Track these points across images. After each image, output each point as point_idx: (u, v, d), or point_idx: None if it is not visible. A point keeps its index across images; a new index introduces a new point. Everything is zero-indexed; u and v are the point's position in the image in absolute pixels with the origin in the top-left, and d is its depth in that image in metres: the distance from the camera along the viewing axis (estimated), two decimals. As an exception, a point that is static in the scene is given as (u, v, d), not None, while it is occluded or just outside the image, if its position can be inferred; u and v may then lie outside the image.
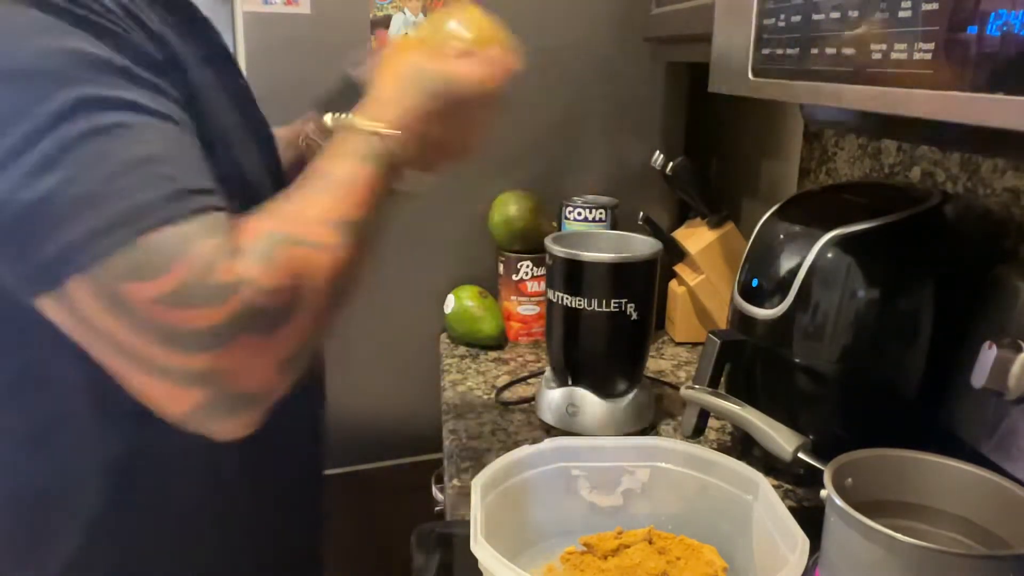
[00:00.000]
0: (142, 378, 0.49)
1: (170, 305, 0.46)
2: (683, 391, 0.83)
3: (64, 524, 0.60)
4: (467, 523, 0.59)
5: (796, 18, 0.58)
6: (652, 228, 1.16)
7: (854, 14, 0.51)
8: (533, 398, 1.00)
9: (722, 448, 0.83)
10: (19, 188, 0.45)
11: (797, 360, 0.76)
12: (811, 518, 0.59)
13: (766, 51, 0.63)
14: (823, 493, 0.55)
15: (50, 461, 0.60)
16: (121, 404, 0.59)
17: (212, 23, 0.68)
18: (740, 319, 0.81)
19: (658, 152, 1.13)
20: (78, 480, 0.60)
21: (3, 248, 0.48)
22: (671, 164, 1.11)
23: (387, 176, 0.58)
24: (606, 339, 0.91)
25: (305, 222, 0.53)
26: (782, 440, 0.71)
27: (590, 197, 1.22)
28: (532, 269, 1.20)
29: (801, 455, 0.69)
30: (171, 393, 0.49)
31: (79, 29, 0.49)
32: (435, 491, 1.21)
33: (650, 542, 0.70)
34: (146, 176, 0.47)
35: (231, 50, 0.75)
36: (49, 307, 0.49)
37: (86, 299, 0.47)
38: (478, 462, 0.88)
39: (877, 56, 0.49)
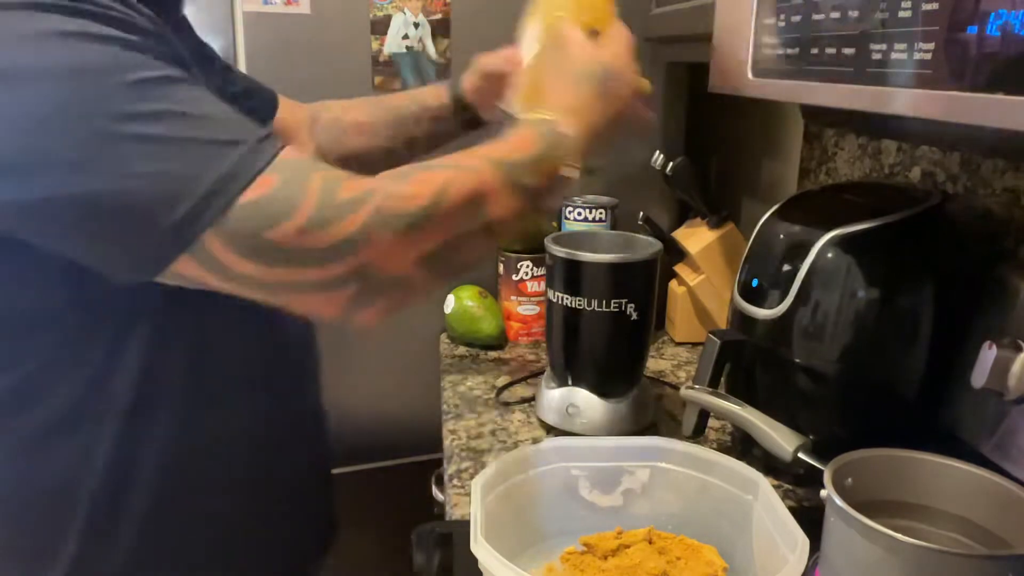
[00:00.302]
0: (296, 299, 0.54)
1: (311, 230, 0.51)
2: (683, 391, 0.83)
3: (68, 526, 0.60)
4: (467, 523, 0.59)
5: (796, 18, 0.58)
6: (652, 228, 1.16)
7: (854, 14, 0.51)
8: (533, 398, 1.00)
9: (722, 448, 0.83)
10: (114, 180, 0.48)
11: (797, 360, 0.76)
12: (811, 518, 0.59)
13: (766, 51, 0.63)
14: (823, 493, 0.55)
15: (53, 463, 0.60)
16: (124, 407, 0.59)
17: (190, 23, 0.69)
18: (740, 319, 0.81)
19: (658, 152, 1.13)
20: (81, 482, 0.60)
21: (117, 234, 0.50)
22: (671, 164, 1.11)
23: (555, 155, 0.62)
24: (606, 339, 0.91)
25: (457, 156, 0.59)
26: (782, 440, 0.71)
27: (590, 197, 1.22)
28: (532, 269, 1.20)
29: (801, 455, 0.69)
30: (325, 300, 0.54)
31: (96, 23, 0.50)
32: (435, 491, 1.21)
33: (650, 542, 0.70)
34: (223, 136, 0.51)
35: (215, 51, 0.76)
36: (190, 268, 0.51)
37: (231, 258, 0.51)
38: (478, 462, 0.88)
39: (877, 56, 0.49)
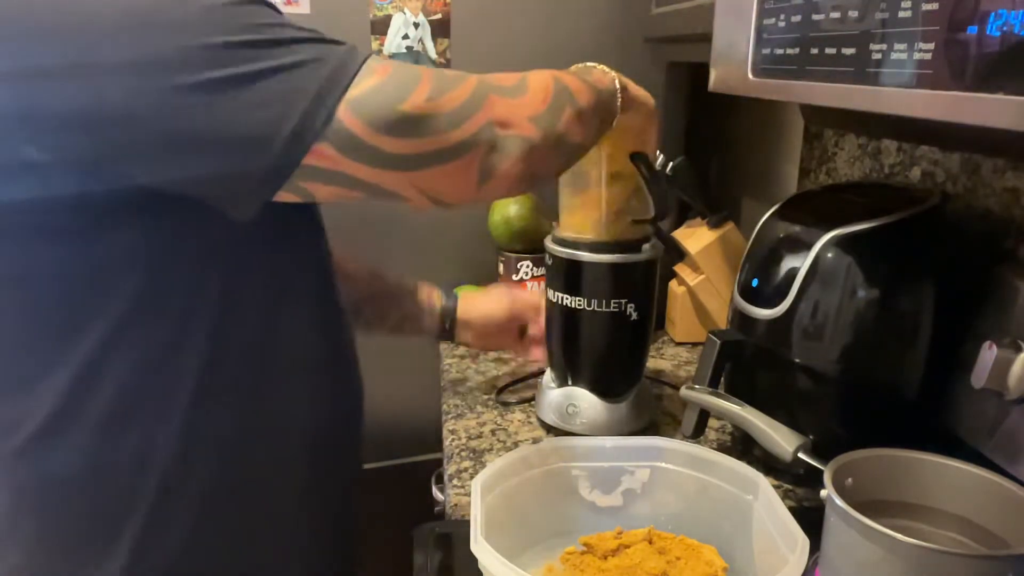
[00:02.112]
0: (437, 173, 0.58)
1: (437, 96, 0.56)
2: (683, 391, 0.82)
3: (131, 512, 0.61)
4: (467, 523, 0.59)
5: (796, 18, 0.58)
6: (652, 228, 1.15)
7: (854, 14, 0.51)
8: (533, 398, 1.00)
9: (722, 448, 0.83)
10: (244, 83, 0.52)
11: (797, 360, 0.76)
12: (811, 518, 0.59)
13: (766, 51, 0.63)
14: (823, 493, 0.55)
15: (122, 447, 0.60)
16: (188, 392, 0.60)
17: None
18: (740, 319, 0.81)
19: (658, 152, 1.13)
20: (146, 467, 0.60)
21: (255, 137, 0.53)
22: (671, 164, 1.10)
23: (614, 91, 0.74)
24: (606, 339, 0.91)
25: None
26: (782, 440, 0.71)
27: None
28: (532, 269, 1.20)
29: (801, 455, 0.69)
30: (463, 167, 0.58)
31: None
32: (435, 491, 1.21)
33: (650, 542, 0.70)
34: (327, 37, 0.57)
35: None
36: (342, 163, 0.55)
37: (376, 138, 0.55)
38: (478, 462, 0.88)
39: (877, 56, 0.49)
